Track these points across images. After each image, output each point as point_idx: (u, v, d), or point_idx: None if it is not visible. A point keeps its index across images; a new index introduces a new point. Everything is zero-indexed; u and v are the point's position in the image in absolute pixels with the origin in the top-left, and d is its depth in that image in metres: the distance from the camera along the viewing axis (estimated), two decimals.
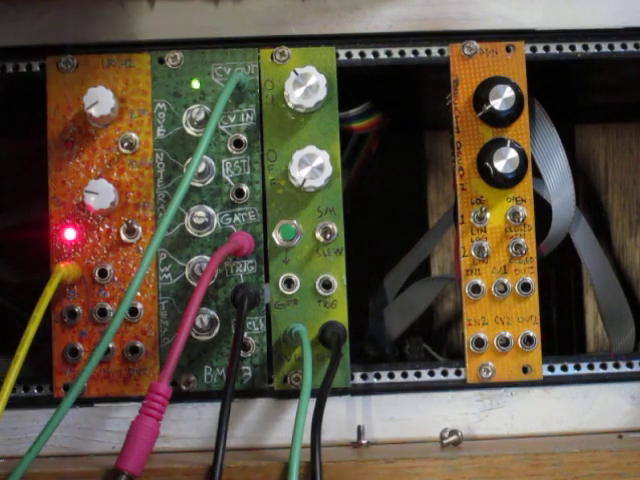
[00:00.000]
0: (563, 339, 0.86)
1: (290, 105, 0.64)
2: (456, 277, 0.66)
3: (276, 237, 0.64)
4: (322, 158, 0.62)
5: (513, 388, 0.64)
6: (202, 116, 0.63)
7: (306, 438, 0.55)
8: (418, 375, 0.65)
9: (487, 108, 0.64)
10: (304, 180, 0.62)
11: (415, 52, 0.66)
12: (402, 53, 0.66)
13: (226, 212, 0.64)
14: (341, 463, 0.57)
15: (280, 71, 0.64)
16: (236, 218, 0.64)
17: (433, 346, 0.78)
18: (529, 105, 0.65)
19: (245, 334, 0.63)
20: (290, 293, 0.63)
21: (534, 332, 0.64)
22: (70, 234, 0.63)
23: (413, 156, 0.87)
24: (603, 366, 0.65)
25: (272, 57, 0.64)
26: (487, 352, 0.64)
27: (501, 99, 0.64)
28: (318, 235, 0.63)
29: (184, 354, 0.63)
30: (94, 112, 0.62)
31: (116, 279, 0.63)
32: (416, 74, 0.68)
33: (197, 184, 0.64)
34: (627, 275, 0.87)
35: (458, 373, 0.64)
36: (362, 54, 0.65)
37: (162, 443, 0.63)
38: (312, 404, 0.57)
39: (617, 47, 0.66)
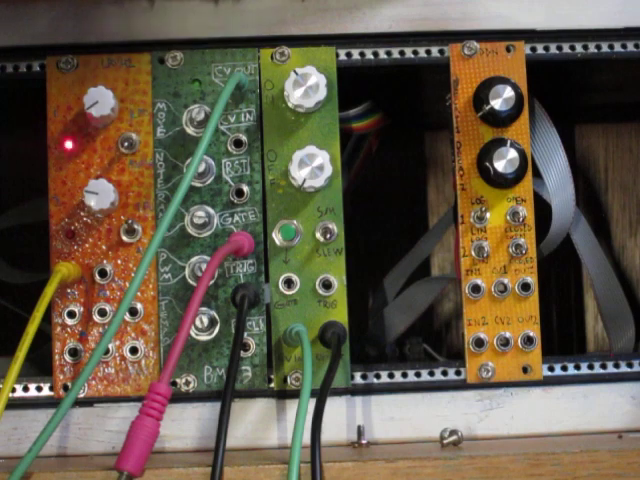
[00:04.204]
0: (563, 339, 0.86)
1: (290, 105, 0.64)
2: (456, 277, 0.66)
3: (276, 237, 0.64)
4: (322, 158, 0.62)
5: (513, 388, 0.64)
6: (202, 116, 0.63)
7: (306, 438, 0.55)
8: (418, 375, 0.65)
9: (487, 108, 0.64)
10: (304, 180, 0.62)
11: (415, 52, 0.66)
12: (402, 53, 0.66)
13: (226, 212, 0.64)
14: (341, 463, 0.57)
15: (280, 71, 0.64)
16: (236, 218, 0.64)
17: (433, 346, 0.78)
18: (529, 105, 0.65)
19: (245, 334, 0.63)
20: (290, 293, 0.63)
21: (534, 332, 0.64)
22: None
23: (413, 156, 0.87)
24: (603, 366, 0.65)
25: (272, 57, 0.64)
26: (487, 352, 0.64)
27: (501, 99, 0.64)
28: (318, 235, 0.63)
29: (184, 354, 0.63)
30: (94, 112, 0.62)
31: (116, 279, 0.63)
32: (416, 74, 0.68)
33: (197, 184, 0.64)
34: (627, 275, 0.87)
35: (458, 373, 0.64)
36: (362, 54, 0.65)
37: (162, 443, 0.63)
38: (312, 404, 0.57)
39: (617, 47, 0.66)
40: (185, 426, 0.63)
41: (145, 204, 0.64)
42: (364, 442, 0.62)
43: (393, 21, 0.65)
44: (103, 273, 0.63)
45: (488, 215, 0.64)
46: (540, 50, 0.66)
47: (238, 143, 0.64)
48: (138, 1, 0.65)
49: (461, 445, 0.61)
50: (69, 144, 0.63)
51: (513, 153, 0.64)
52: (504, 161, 0.64)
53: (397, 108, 0.74)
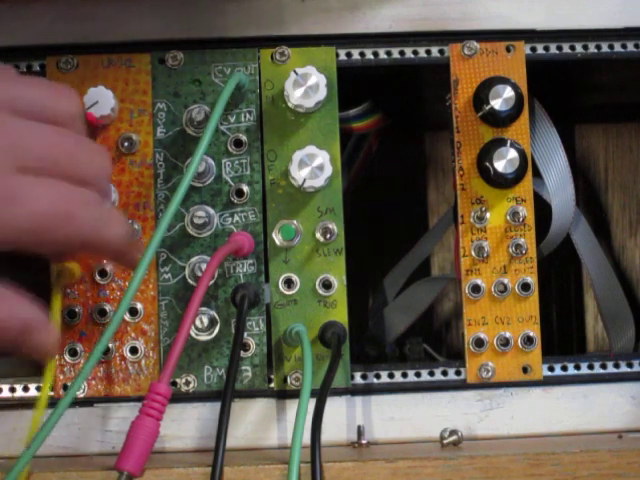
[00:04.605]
0: (563, 339, 0.86)
1: (290, 105, 0.64)
2: (456, 277, 0.66)
3: (276, 237, 0.64)
4: (322, 158, 0.62)
5: (513, 388, 0.64)
6: (202, 116, 0.63)
7: (306, 438, 0.55)
8: (418, 375, 0.65)
9: (487, 108, 0.64)
10: (304, 180, 0.62)
11: (415, 52, 0.66)
12: (402, 53, 0.66)
13: (226, 212, 0.64)
14: (341, 463, 0.57)
15: (280, 71, 0.64)
16: (236, 218, 0.64)
17: (433, 346, 0.78)
18: (529, 105, 0.65)
19: (245, 334, 0.63)
20: (290, 293, 0.63)
21: (534, 332, 0.64)
22: None
23: (413, 156, 0.87)
24: (603, 366, 0.65)
25: (272, 57, 0.64)
26: (487, 352, 0.64)
27: (501, 99, 0.64)
28: (318, 235, 0.63)
29: (184, 354, 0.63)
30: (94, 112, 0.62)
31: (116, 279, 0.63)
32: (416, 74, 0.68)
33: (197, 184, 0.64)
34: (627, 275, 0.87)
35: (458, 373, 0.64)
36: (362, 54, 0.65)
37: (162, 443, 0.63)
38: (312, 404, 0.57)
39: (617, 47, 0.66)
40: (185, 426, 0.63)
41: (145, 204, 0.64)
42: (364, 442, 0.62)
43: (393, 21, 0.65)
44: (103, 273, 0.63)
45: (488, 215, 0.64)
46: (540, 50, 0.66)
47: (238, 143, 0.64)
48: (138, 1, 0.65)
49: (461, 445, 0.61)
50: None
51: (513, 153, 0.64)
52: (504, 161, 0.64)
53: (397, 108, 0.74)
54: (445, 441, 0.61)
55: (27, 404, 0.63)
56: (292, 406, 0.63)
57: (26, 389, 0.63)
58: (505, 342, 0.64)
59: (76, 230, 0.52)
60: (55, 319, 0.58)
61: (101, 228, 0.53)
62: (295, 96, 0.63)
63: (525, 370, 0.64)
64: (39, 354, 0.53)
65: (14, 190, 0.50)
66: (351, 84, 0.65)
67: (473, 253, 0.64)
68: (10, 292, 0.51)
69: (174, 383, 0.63)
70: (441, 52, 0.65)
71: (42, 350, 0.53)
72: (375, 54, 0.65)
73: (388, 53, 0.66)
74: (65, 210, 0.51)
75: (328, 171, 0.62)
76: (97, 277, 0.63)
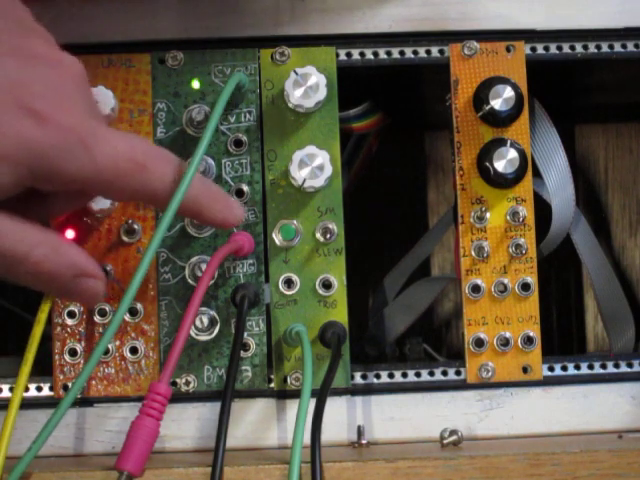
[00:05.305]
0: (563, 339, 0.86)
1: (290, 105, 0.64)
2: (456, 277, 0.66)
3: (276, 237, 0.64)
4: (322, 158, 0.62)
5: (513, 388, 0.64)
6: (202, 116, 0.63)
7: (306, 438, 0.55)
8: (418, 375, 0.65)
9: (487, 108, 0.64)
10: (304, 180, 0.62)
11: (415, 52, 0.66)
12: (402, 53, 0.66)
13: None
14: (341, 463, 0.57)
15: (280, 71, 0.64)
16: None
17: (433, 346, 0.78)
18: (529, 105, 0.65)
19: (245, 334, 0.63)
20: (290, 293, 0.63)
21: (534, 332, 0.64)
22: (69, 234, 0.63)
23: (413, 156, 0.87)
24: (603, 366, 0.65)
25: (272, 57, 0.64)
26: (487, 352, 0.64)
27: (501, 99, 0.64)
28: (318, 235, 0.63)
29: (184, 354, 0.63)
30: None
31: (116, 279, 0.63)
32: (416, 74, 0.68)
33: None
34: (627, 275, 0.87)
35: (458, 373, 0.65)
36: (362, 54, 0.65)
37: (162, 443, 0.63)
38: (312, 404, 0.57)
39: (617, 47, 0.66)
40: (185, 426, 0.63)
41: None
42: (364, 442, 0.62)
43: (393, 21, 0.65)
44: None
45: (488, 215, 0.64)
46: (540, 50, 0.66)
47: (238, 143, 0.64)
48: (138, 1, 0.65)
49: (461, 445, 0.61)
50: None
51: (513, 153, 0.64)
52: (504, 161, 0.64)
53: (397, 108, 0.74)
54: (445, 441, 0.61)
55: (27, 404, 0.63)
56: (292, 406, 0.63)
57: (26, 389, 0.63)
58: (505, 342, 0.64)
59: (150, 181, 0.53)
60: (42, 316, 0.58)
61: (174, 186, 0.54)
62: (295, 96, 0.63)
63: (525, 370, 0.64)
64: (87, 301, 0.55)
65: (96, 131, 0.51)
66: (351, 84, 0.65)
67: (473, 253, 0.64)
68: (66, 241, 0.53)
69: (174, 383, 0.63)
70: (441, 52, 0.65)
71: (90, 297, 0.54)
72: (375, 54, 0.65)
73: (388, 53, 0.66)
74: (141, 160, 0.52)
75: (328, 171, 0.62)
76: None
